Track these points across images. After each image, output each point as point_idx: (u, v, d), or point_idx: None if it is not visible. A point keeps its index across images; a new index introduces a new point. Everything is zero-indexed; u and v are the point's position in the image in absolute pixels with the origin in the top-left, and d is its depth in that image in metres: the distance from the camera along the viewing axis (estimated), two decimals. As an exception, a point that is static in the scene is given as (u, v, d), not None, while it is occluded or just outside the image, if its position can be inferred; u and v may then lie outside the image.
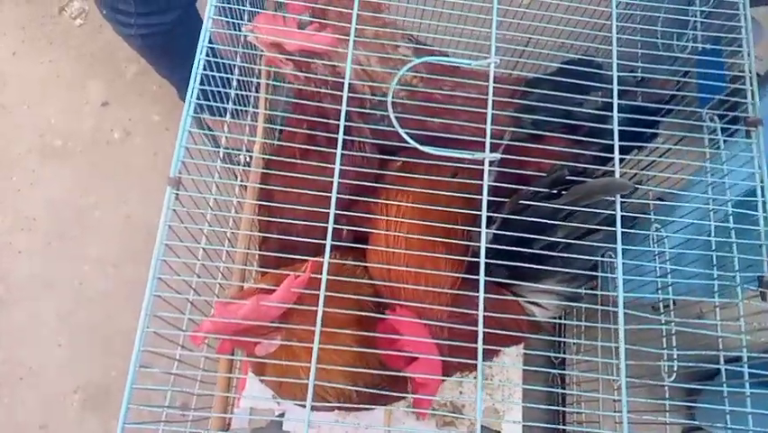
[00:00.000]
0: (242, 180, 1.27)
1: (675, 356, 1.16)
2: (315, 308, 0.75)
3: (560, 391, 1.63)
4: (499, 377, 1.63)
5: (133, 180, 1.94)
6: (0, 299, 1.84)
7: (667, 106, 1.21)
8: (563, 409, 1.62)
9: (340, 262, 1.07)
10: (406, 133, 0.89)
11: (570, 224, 0.93)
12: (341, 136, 0.86)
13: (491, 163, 0.87)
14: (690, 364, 1.19)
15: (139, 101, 2.05)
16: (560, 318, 1.65)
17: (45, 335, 1.80)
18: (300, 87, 1.08)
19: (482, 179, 0.85)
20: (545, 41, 1.24)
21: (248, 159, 1.26)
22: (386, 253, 0.97)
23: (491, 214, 0.95)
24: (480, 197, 0.84)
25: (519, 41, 1.34)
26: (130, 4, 1.33)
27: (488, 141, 0.86)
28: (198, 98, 1.02)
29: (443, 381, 1.14)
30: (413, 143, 0.83)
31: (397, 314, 0.91)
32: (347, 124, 1.13)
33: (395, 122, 0.84)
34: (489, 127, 0.86)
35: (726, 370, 1.02)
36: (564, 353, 1.67)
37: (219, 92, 1.04)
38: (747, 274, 0.98)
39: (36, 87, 2.06)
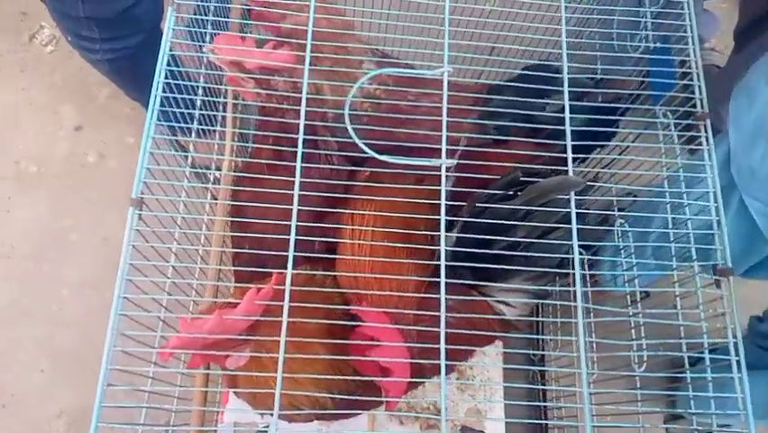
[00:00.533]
0: (212, 197, 1.29)
1: (644, 346, 1.19)
2: (280, 319, 0.77)
3: (540, 387, 1.66)
4: (480, 377, 1.66)
5: (109, 203, 1.95)
6: (-21, 327, 1.83)
7: (624, 105, 1.25)
8: (544, 404, 1.64)
9: (310, 273, 1.09)
10: (375, 144, 0.92)
11: (528, 223, 0.96)
12: (300, 150, 0.88)
13: (449, 169, 0.89)
14: (660, 354, 1.22)
15: (112, 124, 2.07)
16: (537, 316, 1.68)
17: (26, 360, 1.80)
18: (263, 104, 1.10)
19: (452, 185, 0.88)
20: (507, 49, 1.28)
21: (218, 176, 1.28)
22: (352, 261, 1.00)
23: (452, 218, 0.98)
24: (447, 203, 0.87)
25: (483, 50, 1.38)
26: (93, 30, 1.35)
27: (443, 147, 0.88)
28: (166, 119, 1.05)
29: (413, 382, 1.16)
30: (370, 153, 0.85)
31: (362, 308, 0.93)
32: (313, 138, 1.17)
33: (351, 132, 0.86)
34: (444, 134, 0.89)
35: (688, 357, 1.05)
36: (543, 349, 1.70)
37: (185, 113, 1.07)
38: (705, 263, 1.01)
39: (9, 115, 2.07)
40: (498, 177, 1.03)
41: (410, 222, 0.94)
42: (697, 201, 1.00)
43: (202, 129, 1.20)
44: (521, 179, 0.96)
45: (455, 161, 0.88)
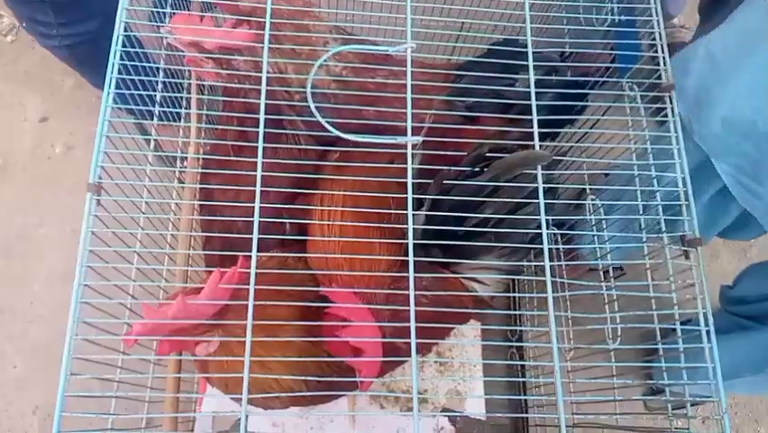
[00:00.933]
0: (179, 182, 1.26)
1: (618, 320, 1.19)
2: (246, 303, 0.76)
3: (518, 363, 1.66)
4: (459, 358, 1.66)
5: (78, 195, 1.88)
6: (-51, 325, 1.79)
7: (593, 79, 1.24)
8: (523, 379, 1.65)
9: (282, 255, 1.07)
10: (343, 124, 0.90)
11: (496, 199, 0.95)
12: (261, 130, 0.86)
13: (416, 146, 0.88)
14: (634, 326, 1.23)
15: (78, 114, 2.02)
16: (513, 292, 1.69)
17: (-1, 357, 1.77)
18: (224, 84, 1.08)
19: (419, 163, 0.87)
20: (476, 26, 1.26)
21: (184, 160, 1.26)
22: (322, 242, 0.98)
23: (420, 196, 0.97)
24: (415, 181, 0.86)
25: (450, 26, 1.37)
26: (48, 14, 1.31)
27: (409, 124, 0.87)
28: (125, 103, 1.02)
29: (388, 362, 1.16)
30: (334, 132, 0.84)
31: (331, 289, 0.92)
32: (280, 117, 1.15)
33: (315, 111, 0.84)
34: (409, 111, 0.88)
35: (661, 329, 1.06)
36: (521, 326, 1.70)
37: (146, 95, 1.04)
38: (673, 234, 1.02)
39: (-29, 108, 2.01)
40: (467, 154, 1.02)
41: (380, 201, 0.93)
42: (665, 173, 1.00)
43: (165, 112, 1.17)
44: (488, 154, 0.95)
45: (421, 138, 0.86)
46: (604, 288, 1.24)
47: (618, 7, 1.10)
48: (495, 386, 1.68)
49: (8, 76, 2.06)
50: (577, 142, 1.29)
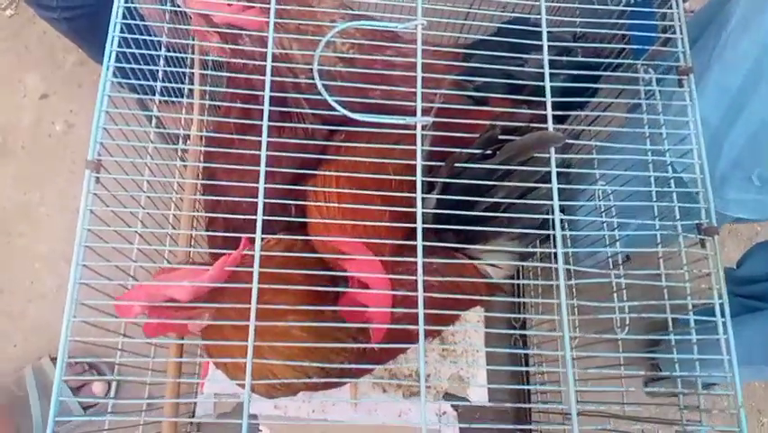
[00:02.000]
0: (182, 160, 1.24)
1: (626, 309, 1.17)
2: (245, 286, 0.74)
3: (522, 351, 1.64)
4: (462, 343, 1.65)
5: (79, 174, 1.88)
6: (-51, 303, 1.78)
7: (608, 60, 1.21)
8: (526, 369, 1.63)
9: (290, 238, 1.05)
10: (349, 103, 0.88)
11: (507, 183, 0.92)
12: (266, 108, 0.84)
13: (425, 128, 0.85)
14: (643, 316, 1.20)
15: (79, 92, 1.99)
16: (518, 279, 1.66)
17: (-1, 336, 1.76)
18: (228, 59, 1.05)
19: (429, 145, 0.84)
20: (488, 3, 1.23)
21: (187, 137, 1.23)
22: (322, 225, 0.95)
23: (430, 179, 0.94)
24: (424, 163, 0.83)
25: (462, 3, 1.33)
26: None
27: (419, 105, 0.84)
28: (126, 77, 0.99)
29: (399, 347, 1.14)
30: (341, 110, 0.81)
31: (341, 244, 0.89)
32: (284, 95, 1.12)
33: (322, 90, 0.82)
34: (419, 91, 0.85)
35: (673, 319, 1.04)
36: (524, 313, 1.68)
37: (147, 70, 1.01)
38: (687, 222, 0.99)
39: (-31, 84, 1.98)
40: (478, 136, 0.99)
41: (383, 183, 0.90)
42: (681, 159, 0.97)
43: (167, 88, 1.15)
44: (499, 137, 0.92)
45: (431, 119, 0.83)
46: (613, 276, 1.22)
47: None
48: (498, 374, 1.67)
49: (7, 51, 2.02)
50: (589, 125, 1.27)
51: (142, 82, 0.96)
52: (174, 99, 1.21)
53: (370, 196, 0.89)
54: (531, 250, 1.06)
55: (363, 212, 0.94)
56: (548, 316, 1.60)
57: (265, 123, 0.81)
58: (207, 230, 1.26)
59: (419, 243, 0.79)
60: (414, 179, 0.84)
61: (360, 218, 0.91)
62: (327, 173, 1.00)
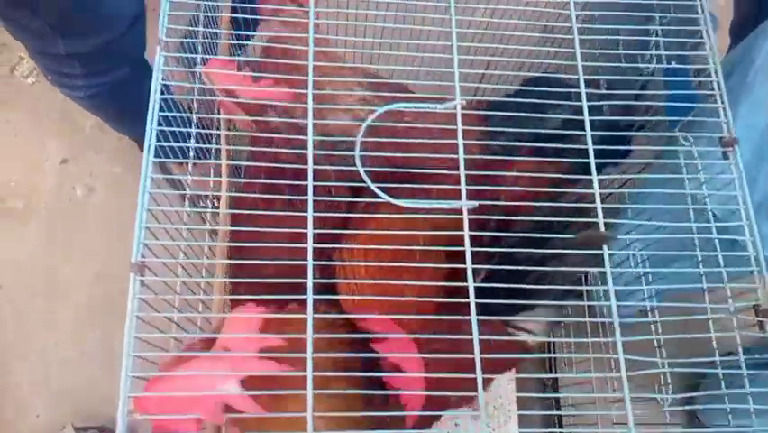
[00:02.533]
0: (210, 239, 1.23)
1: (667, 364, 1.14)
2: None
3: (555, 413, 1.60)
4: (493, 403, 1.60)
5: (100, 238, 1.89)
6: (-29, 373, 1.76)
7: (638, 118, 1.20)
8: (560, 431, 1.59)
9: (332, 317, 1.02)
10: (372, 172, 0.87)
11: (558, 269, 0.90)
12: (310, 198, 0.83)
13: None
14: (686, 370, 1.17)
15: (99, 156, 2.00)
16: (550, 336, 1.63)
17: (21, 405, 1.73)
18: (254, 134, 1.05)
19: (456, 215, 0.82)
20: (506, 62, 1.22)
21: (215, 208, 1.23)
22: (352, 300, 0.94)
23: (477, 266, 0.92)
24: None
25: (479, 64, 1.33)
26: (75, 67, 1.29)
27: (463, 188, 0.83)
28: (157, 155, 0.99)
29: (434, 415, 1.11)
30: (386, 198, 0.80)
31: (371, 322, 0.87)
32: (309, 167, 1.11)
33: (365, 176, 0.80)
34: (462, 173, 0.83)
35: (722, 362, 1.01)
36: (556, 372, 1.64)
37: (176, 147, 1.01)
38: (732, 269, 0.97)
39: (-7, 149, 2.00)
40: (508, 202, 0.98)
41: (412, 255, 0.88)
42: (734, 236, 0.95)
43: (194, 162, 1.15)
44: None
45: (476, 204, 0.82)
46: (653, 331, 1.19)
47: (667, 55, 1.05)
48: (528, 421, 1.62)
49: (30, 117, 2.05)
50: (621, 186, 1.25)
51: (176, 160, 0.96)
52: (203, 162, 1.21)
53: (402, 269, 0.88)
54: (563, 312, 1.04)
55: (393, 287, 0.92)
56: (583, 374, 1.56)
57: (310, 214, 0.80)
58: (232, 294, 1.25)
59: (473, 318, 0.77)
60: (436, 248, 0.81)
61: (390, 293, 0.90)
62: (355, 246, 0.98)
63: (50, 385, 1.75)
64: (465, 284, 0.79)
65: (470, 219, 0.93)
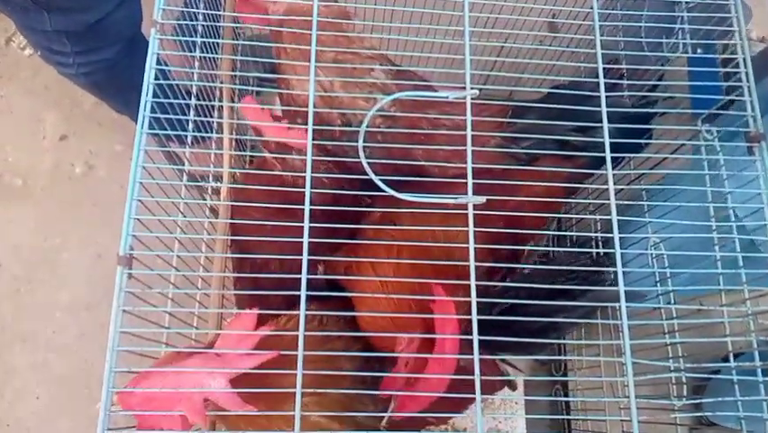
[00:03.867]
0: (211, 211, 1.19)
1: (682, 368, 1.11)
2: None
3: (563, 399, 1.57)
4: (501, 395, 1.58)
5: (100, 217, 1.84)
6: (-30, 355, 1.74)
7: (656, 110, 1.14)
8: (568, 417, 1.56)
9: (319, 313, 0.99)
10: (390, 165, 0.83)
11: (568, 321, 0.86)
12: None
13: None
14: (697, 376, 1.14)
15: (99, 132, 1.94)
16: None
17: (21, 388, 1.71)
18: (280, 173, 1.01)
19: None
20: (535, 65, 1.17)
21: (216, 187, 1.19)
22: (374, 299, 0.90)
23: (489, 300, 0.88)
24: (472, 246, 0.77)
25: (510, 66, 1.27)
26: (65, 44, 1.23)
27: (470, 181, 0.78)
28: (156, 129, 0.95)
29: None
30: (389, 191, 0.75)
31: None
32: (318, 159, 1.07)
33: (368, 169, 0.76)
34: (469, 166, 0.79)
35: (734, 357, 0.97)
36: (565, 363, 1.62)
37: (175, 120, 0.96)
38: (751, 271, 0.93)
39: (-11, 125, 1.95)
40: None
41: (444, 270, 0.85)
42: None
43: (196, 137, 1.10)
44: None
45: (484, 199, 0.77)
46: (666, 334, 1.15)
47: (693, 42, 0.99)
48: (538, 424, 1.60)
49: (27, 91, 1.99)
50: (637, 179, 1.20)
51: (173, 132, 0.91)
52: (205, 135, 1.17)
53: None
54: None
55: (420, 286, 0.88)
56: (590, 358, 1.53)
57: (306, 225, 0.75)
58: (235, 289, 1.21)
59: (474, 320, 0.73)
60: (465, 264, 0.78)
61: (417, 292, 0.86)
62: (383, 242, 0.95)
63: (50, 368, 1.73)
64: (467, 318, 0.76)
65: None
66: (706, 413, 1.58)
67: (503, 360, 1.02)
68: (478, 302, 0.73)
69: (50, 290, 1.79)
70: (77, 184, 1.90)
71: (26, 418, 1.69)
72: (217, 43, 1.18)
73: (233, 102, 1.23)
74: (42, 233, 1.85)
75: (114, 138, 1.94)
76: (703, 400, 1.29)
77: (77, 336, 1.75)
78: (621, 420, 1.21)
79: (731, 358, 1.02)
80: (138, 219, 0.76)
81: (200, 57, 1.10)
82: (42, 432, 1.68)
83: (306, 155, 0.80)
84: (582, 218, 0.89)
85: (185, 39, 1.05)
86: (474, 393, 0.71)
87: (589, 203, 1.29)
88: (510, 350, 0.96)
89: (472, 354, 0.72)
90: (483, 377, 0.95)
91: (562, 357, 1.57)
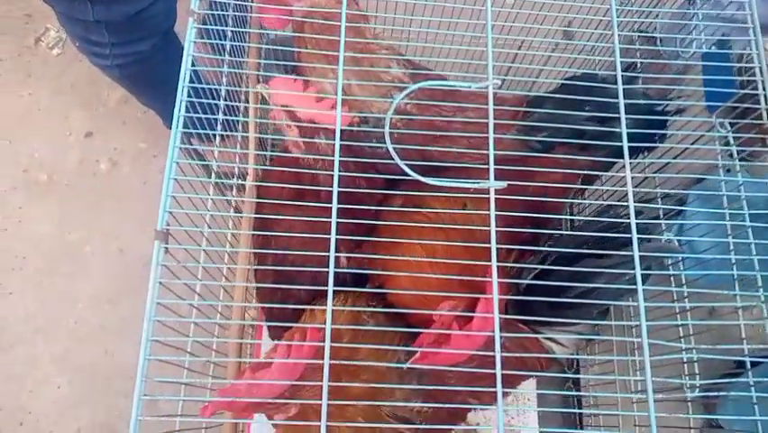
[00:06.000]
0: (234, 210, 1.22)
1: (697, 371, 1.12)
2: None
3: (575, 393, 1.58)
4: (513, 392, 1.59)
5: (124, 212, 1.89)
6: (-6, 343, 1.78)
7: (672, 102, 1.16)
8: (579, 411, 1.57)
9: (355, 310, 1.01)
10: (405, 164, 0.85)
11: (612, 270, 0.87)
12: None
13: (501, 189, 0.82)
14: (717, 382, 1.16)
15: (124, 129, 2.00)
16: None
17: (42, 377, 1.75)
18: (298, 155, 1.03)
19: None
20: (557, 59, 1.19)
21: (240, 186, 1.22)
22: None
23: (523, 266, 0.90)
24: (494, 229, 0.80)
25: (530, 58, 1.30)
26: (103, 35, 1.27)
27: (491, 167, 0.81)
28: (185, 127, 0.98)
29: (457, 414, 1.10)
30: (414, 175, 0.78)
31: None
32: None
33: (394, 154, 0.78)
34: (491, 152, 0.81)
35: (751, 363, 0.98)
36: (577, 360, 1.63)
37: (209, 119, 1.00)
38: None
39: (17, 121, 2.00)
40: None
41: (471, 252, 0.87)
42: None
43: (222, 135, 1.14)
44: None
45: (505, 184, 0.80)
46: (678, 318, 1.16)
47: (708, 38, 1.02)
48: (549, 418, 1.61)
49: (54, 89, 2.04)
50: (655, 173, 1.22)
51: (207, 130, 0.94)
52: (231, 133, 1.20)
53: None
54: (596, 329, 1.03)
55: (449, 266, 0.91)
56: (605, 356, 1.54)
57: (335, 206, 0.78)
58: (256, 281, 1.24)
59: (496, 315, 0.75)
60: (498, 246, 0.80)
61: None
62: (416, 224, 0.99)
63: (71, 358, 1.77)
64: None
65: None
66: (716, 416, 1.59)
67: (548, 338, 1.03)
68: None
69: (72, 283, 1.83)
70: (101, 180, 1.94)
71: (47, 407, 1.72)
72: (243, 47, 1.22)
73: (257, 103, 1.26)
74: (66, 227, 1.89)
75: (138, 136, 1.99)
76: (715, 394, 1.29)
77: (98, 327, 1.79)
78: (635, 414, 1.23)
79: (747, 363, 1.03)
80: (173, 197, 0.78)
81: (229, 60, 1.15)
82: (63, 421, 1.71)
83: (333, 138, 0.82)
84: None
85: (215, 42, 1.09)
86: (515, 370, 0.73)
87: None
88: (552, 325, 0.97)
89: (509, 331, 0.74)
90: (526, 354, 0.97)
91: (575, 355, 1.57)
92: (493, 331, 0.75)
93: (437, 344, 0.84)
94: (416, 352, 0.84)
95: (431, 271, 0.97)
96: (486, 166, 0.82)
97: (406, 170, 0.78)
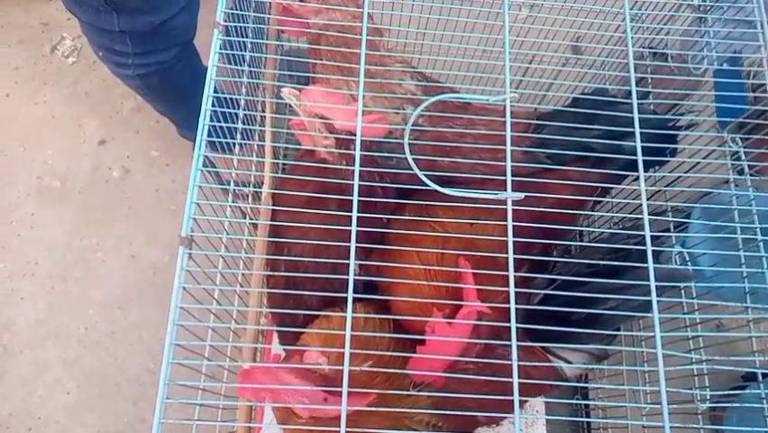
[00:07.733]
0: (251, 219, 1.24)
1: (707, 383, 1.13)
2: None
3: (582, 402, 1.59)
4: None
5: (136, 219, 1.90)
6: (4, 348, 1.79)
7: (683, 117, 1.18)
8: (588, 419, 1.57)
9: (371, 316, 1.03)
10: (424, 174, 0.86)
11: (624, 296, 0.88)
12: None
13: (514, 201, 0.83)
14: (725, 393, 1.16)
15: (137, 137, 2.02)
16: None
17: (52, 383, 1.76)
18: (329, 166, 1.04)
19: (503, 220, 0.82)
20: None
21: (256, 194, 1.23)
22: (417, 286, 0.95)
23: (526, 290, 0.91)
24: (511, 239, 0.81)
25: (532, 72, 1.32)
26: (127, 44, 1.30)
27: (509, 179, 0.82)
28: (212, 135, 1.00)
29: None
30: (433, 186, 0.80)
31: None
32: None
33: (412, 164, 0.80)
34: (509, 164, 0.83)
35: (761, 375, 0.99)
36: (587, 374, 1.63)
37: (227, 128, 1.02)
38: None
39: (31, 129, 2.03)
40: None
41: (484, 262, 0.88)
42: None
43: (241, 144, 1.15)
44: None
45: (523, 195, 0.81)
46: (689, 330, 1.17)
47: (719, 55, 1.03)
48: (558, 429, 1.61)
49: (69, 97, 2.07)
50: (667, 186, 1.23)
51: (226, 139, 0.96)
52: (248, 142, 1.21)
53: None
54: (606, 350, 1.04)
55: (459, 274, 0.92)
56: (612, 366, 1.55)
57: (354, 214, 0.80)
58: (268, 287, 1.25)
59: (513, 328, 0.76)
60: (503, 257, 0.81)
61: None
62: (429, 233, 1.00)
63: (81, 364, 1.78)
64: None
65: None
66: (723, 427, 1.59)
67: (555, 354, 1.04)
68: (517, 293, 0.77)
69: (83, 289, 1.85)
70: (114, 187, 1.96)
71: (56, 411, 1.73)
72: (260, 58, 1.25)
73: (273, 113, 1.28)
74: (78, 233, 1.91)
75: (150, 144, 2.01)
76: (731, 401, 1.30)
77: (109, 333, 1.80)
78: (645, 424, 1.23)
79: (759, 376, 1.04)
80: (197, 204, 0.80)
81: (249, 71, 1.17)
82: (72, 426, 1.72)
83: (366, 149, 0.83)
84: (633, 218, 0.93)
85: (237, 53, 1.11)
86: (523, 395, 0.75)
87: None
88: (556, 340, 0.98)
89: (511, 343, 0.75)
90: (530, 380, 0.98)
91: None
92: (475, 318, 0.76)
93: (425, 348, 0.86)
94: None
95: (425, 279, 0.98)
96: (498, 178, 0.84)
97: (426, 181, 0.80)
